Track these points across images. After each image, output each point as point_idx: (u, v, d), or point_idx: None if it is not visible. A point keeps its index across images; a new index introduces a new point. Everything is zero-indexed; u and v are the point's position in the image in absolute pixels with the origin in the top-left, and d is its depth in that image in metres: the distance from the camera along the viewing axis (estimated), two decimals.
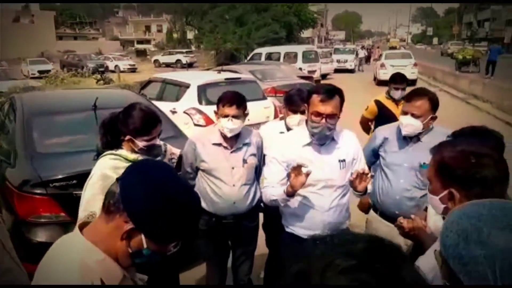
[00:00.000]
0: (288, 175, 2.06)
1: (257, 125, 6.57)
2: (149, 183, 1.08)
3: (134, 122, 2.10)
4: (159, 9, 68.62)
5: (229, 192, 2.54)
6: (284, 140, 2.38)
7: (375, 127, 3.75)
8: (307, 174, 1.99)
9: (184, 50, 37.05)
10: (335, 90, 2.14)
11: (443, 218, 1.35)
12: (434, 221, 1.37)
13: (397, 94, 4.02)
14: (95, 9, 76.48)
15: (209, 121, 5.71)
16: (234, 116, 2.42)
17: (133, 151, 2.16)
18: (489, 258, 0.81)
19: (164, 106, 6.28)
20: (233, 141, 2.56)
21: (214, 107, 6.46)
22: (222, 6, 31.94)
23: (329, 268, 0.57)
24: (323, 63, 19.37)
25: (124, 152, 2.15)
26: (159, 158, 2.37)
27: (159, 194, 1.05)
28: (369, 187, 2.28)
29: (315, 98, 2.12)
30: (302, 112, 2.75)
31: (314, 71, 16.79)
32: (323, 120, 2.10)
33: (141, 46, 58.01)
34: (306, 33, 44.91)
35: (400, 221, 1.81)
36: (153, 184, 1.07)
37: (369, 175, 2.11)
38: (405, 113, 2.38)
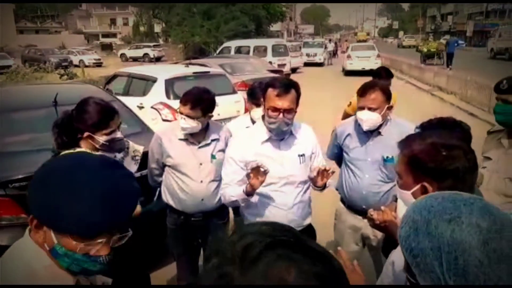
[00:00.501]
0: (248, 176, 2.01)
1: (228, 119, 6.52)
2: (47, 172, 1.02)
3: (91, 117, 2.01)
4: (124, 2, 66.91)
5: (197, 188, 2.48)
6: (242, 138, 2.29)
7: None
8: (266, 173, 1.96)
9: (151, 44, 36.36)
10: (291, 84, 2.09)
11: None
12: (404, 211, 1.37)
13: None
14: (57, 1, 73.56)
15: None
16: (187, 115, 2.35)
17: (93, 148, 2.05)
18: (435, 250, 0.81)
19: (130, 101, 6.11)
20: (201, 137, 2.49)
21: None
22: None
23: (250, 248, 0.56)
24: (292, 56, 19.45)
25: (83, 150, 2.04)
26: (121, 155, 2.28)
27: (54, 181, 0.98)
28: (329, 182, 2.28)
29: (271, 92, 2.06)
30: None
31: (284, 65, 16.82)
32: (280, 115, 2.05)
33: (106, 40, 56.47)
34: (275, 27, 44.92)
35: (370, 213, 1.82)
36: (50, 172, 1.01)
37: (329, 171, 2.10)
38: (361, 108, 2.38)
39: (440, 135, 1.29)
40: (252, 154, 2.12)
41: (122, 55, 35.83)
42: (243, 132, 2.40)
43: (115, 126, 2.08)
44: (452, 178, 1.20)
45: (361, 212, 2.54)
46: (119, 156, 2.26)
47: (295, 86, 2.10)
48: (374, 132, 2.45)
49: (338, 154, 2.66)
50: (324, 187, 2.22)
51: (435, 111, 9.43)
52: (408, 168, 1.29)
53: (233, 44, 18.67)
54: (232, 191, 2.17)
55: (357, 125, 2.50)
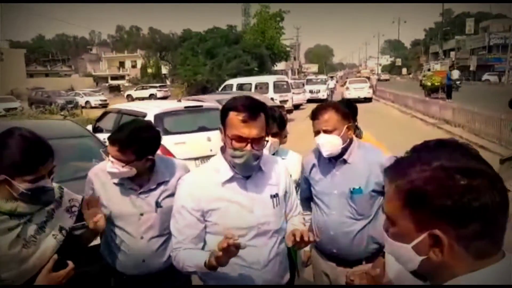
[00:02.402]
0: (224, 249, 1.40)
1: None
2: None
3: (11, 155, 1.47)
4: (133, 45, 69.10)
5: (136, 246, 1.98)
6: (195, 179, 1.74)
7: None
8: (242, 248, 1.40)
9: (157, 85, 36.94)
10: (259, 106, 1.64)
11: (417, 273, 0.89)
12: (397, 270, 0.95)
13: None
14: (68, 46, 76.26)
15: (166, 154, 5.24)
16: (115, 158, 1.86)
17: (11, 197, 1.53)
18: None
19: None
20: (143, 180, 1.98)
21: (173, 137, 5.91)
22: (193, 39, 32.18)
23: None
24: (295, 93, 19.37)
25: None
26: (52, 206, 1.69)
27: None
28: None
29: (234, 117, 1.59)
30: (274, 135, 2.42)
31: (286, 101, 16.65)
32: (248, 146, 1.59)
33: (114, 82, 57.69)
34: (280, 66, 45.66)
35: (350, 278, 1.42)
36: None
37: (313, 237, 1.63)
38: (317, 132, 2.09)
39: (451, 156, 0.84)
40: (212, 199, 1.65)
41: (128, 95, 36.28)
42: (196, 171, 1.87)
43: (45, 172, 1.54)
44: (479, 220, 0.78)
45: (332, 257, 2.15)
46: (48, 207, 1.68)
47: (263, 108, 1.65)
48: (339, 160, 2.11)
49: (308, 189, 2.30)
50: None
51: None
52: (407, 208, 0.84)
53: (235, 81, 18.69)
54: (188, 258, 1.61)
55: (321, 154, 2.16)
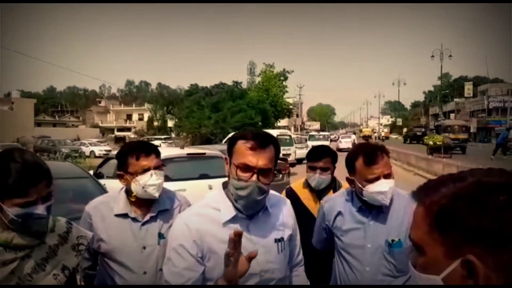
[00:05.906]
0: (226, 261, 1.28)
1: None
2: None
3: (4, 175, 1.33)
4: (141, 99, 71.06)
5: (138, 282, 1.84)
6: (195, 217, 1.55)
7: None
8: (251, 258, 1.28)
9: (162, 137, 37.47)
10: (270, 138, 1.53)
11: None
12: None
13: (313, 179, 2.55)
14: (78, 98, 78.69)
15: None
16: (156, 167, 1.89)
17: (3, 226, 1.38)
18: None
19: (120, 185, 5.79)
20: (145, 209, 1.92)
21: (174, 184, 5.79)
22: (199, 93, 33.22)
23: None
24: (298, 148, 19.55)
25: None
26: (55, 241, 1.52)
27: None
28: None
29: (242, 145, 1.47)
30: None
31: (288, 154, 16.76)
32: (254, 177, 1.44)
33: (121, 134, 58.60)
34: (283, 122, 46.55)
35: None
36: None
37: None
38: (377, 178, 1.81)
39: (488, 172, 0.75)
40: (212, 240, 1.48)
41: None
42: (194, 208, 1.68)
43: (37, 196, 1.38)
44: None
45: None
46: (50, 242, 1.50)
47: (274, 141, 1.54)
48: (373, 208, 1.88)
49: (327, 240, 2.08)
50: None
51: None
52: (435, 231, 0.72)
53: None
54: None
55: (350, 201, 1.97)
